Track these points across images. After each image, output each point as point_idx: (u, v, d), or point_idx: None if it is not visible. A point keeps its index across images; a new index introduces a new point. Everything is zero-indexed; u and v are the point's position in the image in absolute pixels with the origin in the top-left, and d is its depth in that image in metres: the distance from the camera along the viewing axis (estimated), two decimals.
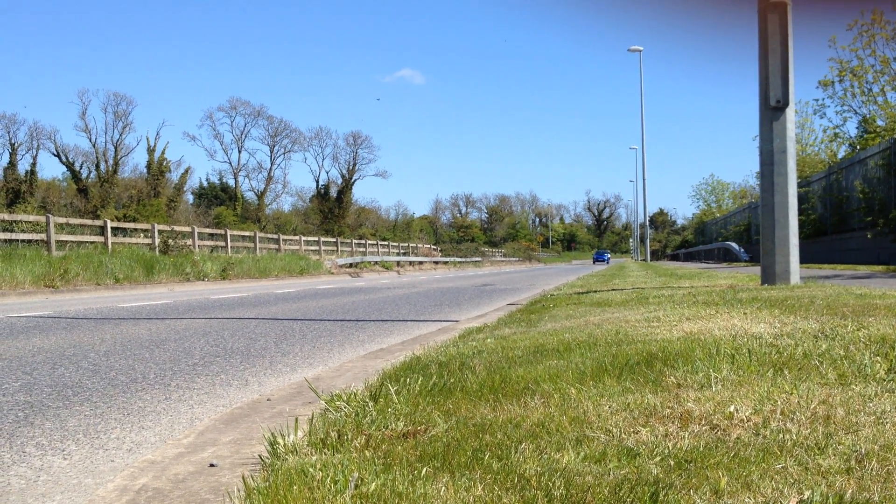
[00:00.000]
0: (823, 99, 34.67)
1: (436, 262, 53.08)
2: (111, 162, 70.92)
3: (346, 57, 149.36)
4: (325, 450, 2.14)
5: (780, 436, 1.97)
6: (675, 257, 75.07)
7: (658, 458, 1.84)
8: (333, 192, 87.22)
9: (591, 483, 1.69)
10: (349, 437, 2.22)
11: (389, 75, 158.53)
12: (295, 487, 1.78)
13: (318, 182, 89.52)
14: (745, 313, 5.03)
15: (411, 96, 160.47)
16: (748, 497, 1.60)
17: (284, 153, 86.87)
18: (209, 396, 3.75)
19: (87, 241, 21.18)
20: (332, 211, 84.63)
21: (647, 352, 3.27)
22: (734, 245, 41.80)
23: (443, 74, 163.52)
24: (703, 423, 2.14)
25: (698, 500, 1.59)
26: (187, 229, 27.33)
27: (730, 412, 2.20)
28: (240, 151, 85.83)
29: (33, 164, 68.22)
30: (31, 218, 20.31)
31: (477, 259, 64.89)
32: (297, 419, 2.54)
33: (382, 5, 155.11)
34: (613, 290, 10.41)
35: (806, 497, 1.58)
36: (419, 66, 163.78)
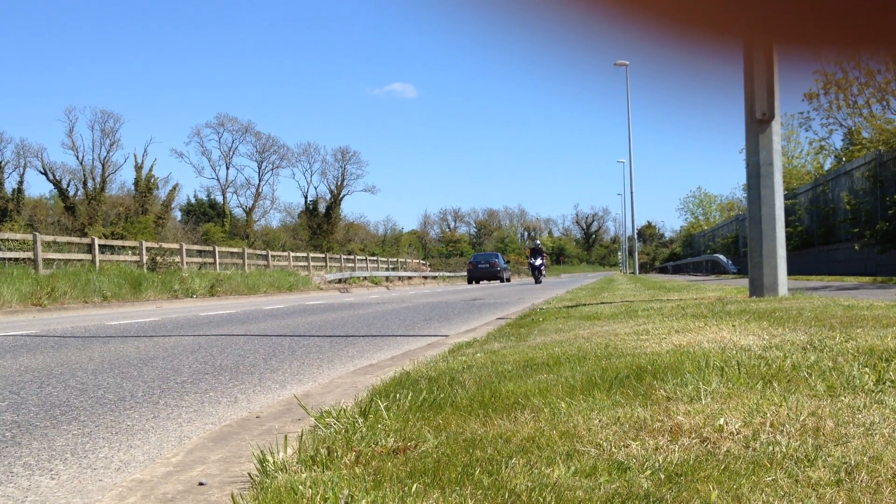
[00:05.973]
0: (809, 111, 34.85)
1: (425, 277, 53.07)
2: (98, 179, 70.71)
3: (335, 70, 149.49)
4: (315, 467, 2.13)
5: (770, 448, 1.98)
6: (663, 270, 75.28)
7: (648, 472, 1.84)
8: (322, 208, 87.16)
9: (582, 497, 1.68)
10: (339, 453, 2.21)
11: (380, 88, 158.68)
12: None
13: (306, 198, 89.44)
14: (733, 325, 5.05)
15: (401, 110, 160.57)
16: None
17: (272, 169, 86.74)
18: (198, 414, 3.73)
19: (74, 259, 21.09)
20: (320, 227, 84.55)
21: (637, 365, 3.27)
22: (722, 257, 41.93)
23: (435, 88, 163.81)
24: (694, 436, 2.15)
25: None
26: (175, 246, 27.27)
27: (720, 425, 2.20)
28: (228, 168, 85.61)
29: (20, 183, 68.02)
30: (18, 236, 20.25)
31: (466, 273, 64.89)
32: (286, 436, 2.53)
33: (373, 18, 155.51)
34: (602, 303, 10.42)
35: None
36: (411, 80, 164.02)
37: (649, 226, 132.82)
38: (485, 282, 46.17)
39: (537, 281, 37.20)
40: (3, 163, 67.64)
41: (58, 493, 2.39)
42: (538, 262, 37.77)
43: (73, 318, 12.85)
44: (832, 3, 0.74)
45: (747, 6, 0.77)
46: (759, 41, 0.81)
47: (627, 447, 2.07)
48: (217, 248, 30.43)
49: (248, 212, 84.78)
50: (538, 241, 39.95)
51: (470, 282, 46.10)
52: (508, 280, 48.16)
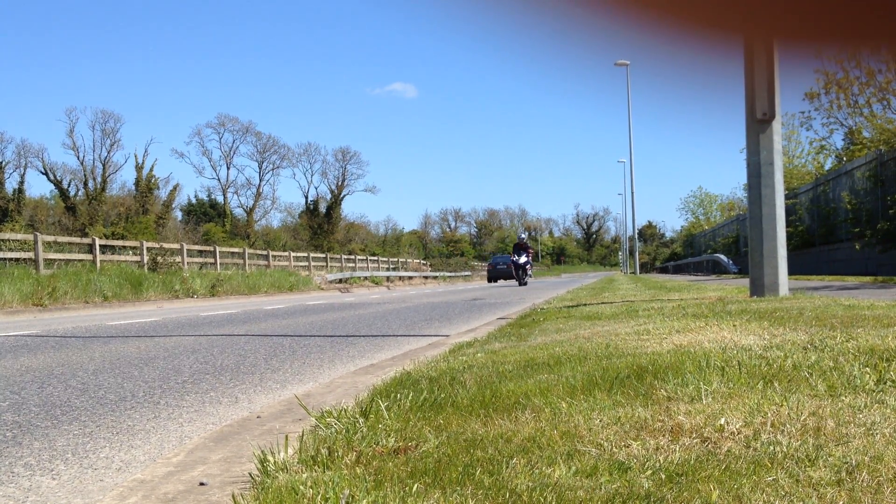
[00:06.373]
0: (810, 111, 34.76)
1: (425, 277, 53.06)
2: (99, 179, 70.82)
3: (336, 71, 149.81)
4: (316, 467, 2.13)
5: (771, 448, 1.98)
6: (663, 270, 75.24)
7: (649, 472, 1.84)
8: (322, 208, 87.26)
9: (583, 497, 1.68)
10: (340, 453, 2.21)
11: (380, 88, 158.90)
12: None
13: (307, 198, 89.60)
14: (734, 325, 5.05)
15: (402, 110, 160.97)
16: None
17: (273, 169, 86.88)
18: (199, 414, 3.73)
19: (75, 259, 21.09)
20: (321, 227, 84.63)
21: (638, 365, 3.27)
22: (723, 257, 41.91)
23: (435, 88, 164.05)
24: (694, 435, 2.14)
25: None
26: (176, 246, 27.27)
27: (720, 425, 2.20)
28: (228, 168, 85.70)
29: (21, 183, 68.12)
30: (19, 236, 20.25)
31: (466, 273, 64.99)
32: (287, 436, 2.53)
33: (374, 18, 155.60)
34: (603, 303, 10.42)
35: None
36: (412, 80, 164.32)
37: (650, 225, 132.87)
38: (502, 280, 49.69)
39: (521, 282, 31.59)
40: (3, 163, 67.73)
41: (59, 493, 2.39)
42: (522, 259, 31.95)
43: (74, 318, 12.85)
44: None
45: (748, 2, 0.77)
46: (760, 37, 0.81)
47: (628, 447, 2.07)
48: (218, 249, 30.43)
49: (249, 212, 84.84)
50: (523, 235, 33.29)
51: (490, 280, 50.06)
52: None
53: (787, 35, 0.78)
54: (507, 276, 50.02)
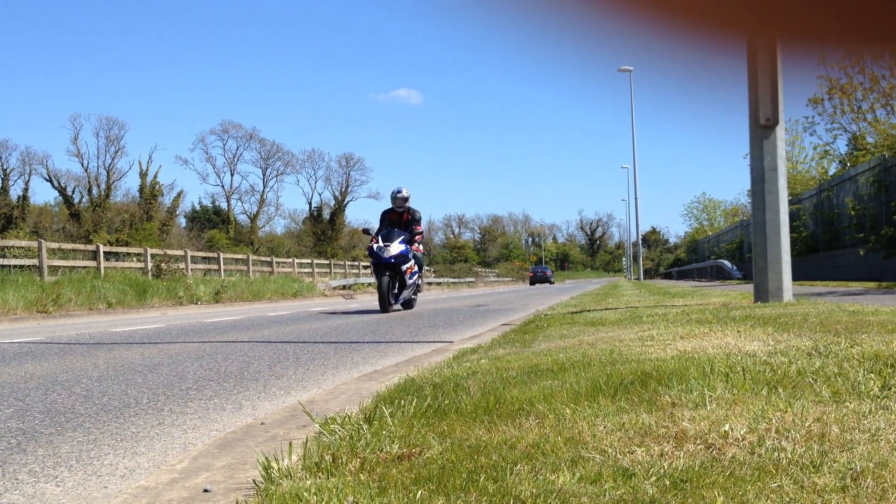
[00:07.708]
0: (813, 116, 34.77)
1: (429, 284, 53.01)
2: (103, 186, 70.99)
3: (340, 76, 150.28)
4: (320, 474, 2.13)
5: (776, 454, 1.97)
6: (667, 276, 75.19)
7: (653, 478, 1.84)
8: (326, 215, 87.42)
9: None
10: (344, 460, 2.21)
11: (384, 94, 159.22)
12: None
13: (310, 204, 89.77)
14: (738, 331, 5.04)
15: (407, 116, 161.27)
16: None
17: (277, 176, 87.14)
18: (203, 421, 3.73)
19: (79, 266, 21.13)
20: (324, 233, 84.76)
21: (642, 371, 3.26)
22: (727, 263, 41.88)
23: (440, 93, 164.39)
24: (699, 442, 2.14)
25: None
26: (180, 253, 27.31)
27: (725, 431, 2.19)
28: (232, 174, 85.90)
29: (25, 190, 68.35)
30: (23, 243, 20.27)
31: (470, 279, 64.96)
32: (291, 443, 2.53)
33: (378, 24, 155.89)
34: (607, 309, 10.41)
35: None
36: (416, 86, 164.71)
37: (654, 231, 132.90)
38: (538, 284, 70.11)
39: (386, 306, 14.16)
40: (8, 170, 68.01)
41: (63, 500, 2.39)
42: (395, 248, 14.47)
43: (78, 325, 12.87)
44: None
45: (750, 1, 0.77)
46: (763, 36, 0.81)
47: (632, 453, 2.07)
48: (222, 255, 30.45)
49: (253, 218, 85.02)
50: (403, 192, 15.28)
51: (532, 284, 71.53)
52: (552, 283, 74.57)
53: (791, 34, 0.78)
54: (543, 281, 71.46)
